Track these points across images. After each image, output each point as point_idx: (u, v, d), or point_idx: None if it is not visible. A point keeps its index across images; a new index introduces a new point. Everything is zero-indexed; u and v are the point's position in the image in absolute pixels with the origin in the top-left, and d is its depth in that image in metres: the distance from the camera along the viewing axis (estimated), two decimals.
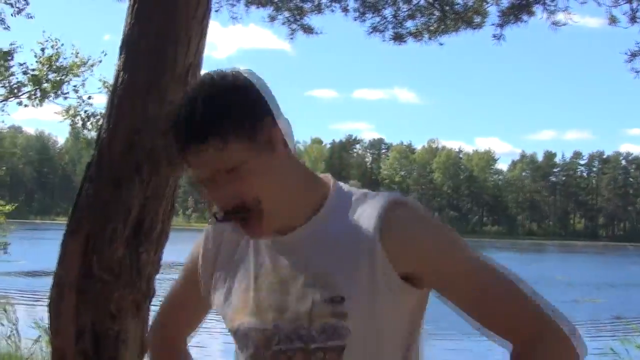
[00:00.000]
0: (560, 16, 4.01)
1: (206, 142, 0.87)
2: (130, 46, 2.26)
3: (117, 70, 2.27)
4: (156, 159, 2.17)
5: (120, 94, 2.26)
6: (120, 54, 2.27)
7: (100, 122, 2.73)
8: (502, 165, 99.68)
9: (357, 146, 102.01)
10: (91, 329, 2.10)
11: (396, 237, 0.94)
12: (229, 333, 1.11)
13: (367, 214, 0.98)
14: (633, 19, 3.68)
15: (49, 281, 2.27)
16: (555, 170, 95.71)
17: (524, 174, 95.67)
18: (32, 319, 6.10)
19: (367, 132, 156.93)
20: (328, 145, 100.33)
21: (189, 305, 1.24)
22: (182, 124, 0.90)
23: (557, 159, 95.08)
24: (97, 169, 2.19)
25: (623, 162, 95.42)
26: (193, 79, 2.25)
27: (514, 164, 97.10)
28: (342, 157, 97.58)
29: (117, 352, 2.14)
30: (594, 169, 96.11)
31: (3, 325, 5.96)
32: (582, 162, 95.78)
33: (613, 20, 3.85)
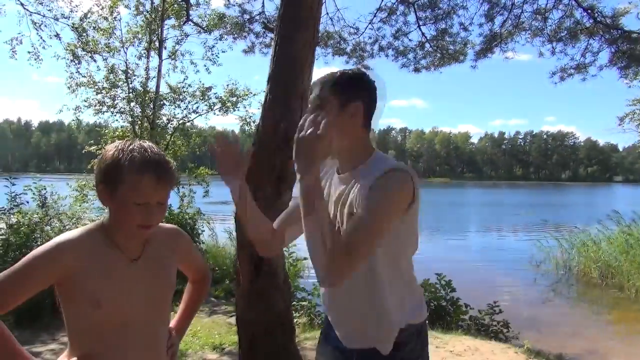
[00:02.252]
0: (509, 54, 6.08)
1: (324, 90, 1.56)
2: (273, 79, 3.63)
3: (266, 93, 3.63)
4: (288, 137, 3.44)
5: (267, 105, 3.63)
6: (268, 84, 3.64)
7: (257, 122, 3.89)
8: (474, 140, 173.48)
9: (393, 132, 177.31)
10: None
11: (374, 182, 1.48)
12: None
13: (375, 172, 1.50)
14: (553, 53, 5.59)
15: (231, 208, 3.80)
16: (504, 142, 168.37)
17: (487, 144, 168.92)
18: (223, 229, 10.62)
19: (398, 124, 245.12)
20: (376, 132, 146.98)
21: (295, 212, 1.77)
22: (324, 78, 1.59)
23: (506, 135, 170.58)
24: (258, 147, 3.56)
25: (544, 136, 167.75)
26: (306, 96, 3.71)
27: (481, 139, 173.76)
28: (384, 138, 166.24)
29: None
30: (527, 141, 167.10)
31: (209, 230, 10.69)
32: (520, 137, 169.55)
33: (541, 54, 5.71)
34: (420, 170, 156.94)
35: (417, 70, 6.52)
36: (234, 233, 4.27)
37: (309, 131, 1.48)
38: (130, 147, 1.39)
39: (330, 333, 1.70)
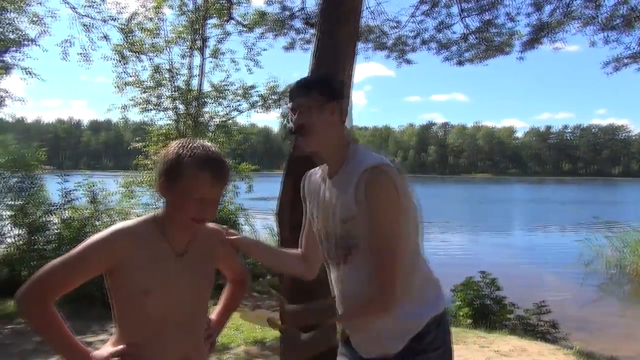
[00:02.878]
0: (558, 44, 5.71)
1: (309, 94, 1.61)
2: (314, 74, 3.56)
3: None
4: None
5: None
6: None
7: None
8: (519, 134, 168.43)
9: (433, 127, 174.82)
10: (299, 226, 3.57)
11: (367, 187, 1.52)
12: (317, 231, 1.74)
13: (358, 171, 1.55)
14: (606, 42, 5.29)
15: (273, 203, 3.77)
16: (551, 136, 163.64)
17: (532, 139, 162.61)
18: (264, 225, 10.88)
19: (439, 119, 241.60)
20: (417, 127, 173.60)
21: (308, 226, 1.87)
22: (300, 83, 1.67)
23: (553, 130, 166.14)
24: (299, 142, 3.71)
25: (594, 130, 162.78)
26: (347, 91, 3.70)
27: (526, 134, 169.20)
28: (424, 133, 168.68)
29: None
30: (576, 135, 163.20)
31: (250, 226, 11.26)
32: (568, 131, 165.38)
33: (593, 43, 5.33)
34: (463, 165, 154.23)
35: (460, 63, 6.37)
36: (275, 229, 4.30)
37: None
38: (192, 145, 1.46)
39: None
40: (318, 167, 1.82)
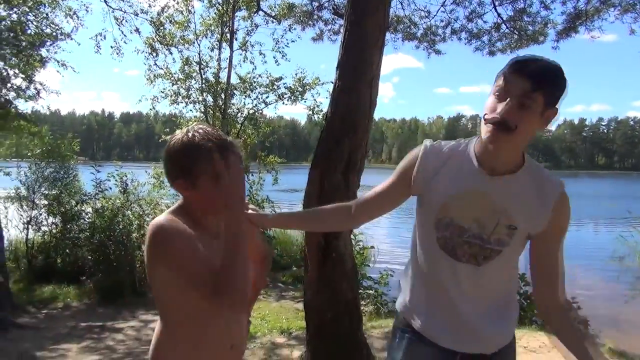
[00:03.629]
0: (594, 33, 5.51)
1: (539, 88, 1.34)
2: (342, 66, 3.57)
3: (335, 80, 3.59)
4: (356, 128, 3.48)
5: (337, 94, 3.59)
6: (337, 71, 3.59)
7: (326, 111, 3.82)
8: (552, 127, 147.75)
9: (463, 119, 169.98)
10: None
11: (561, 209, 1.48)
12: (430, 218, 1.57)
13: (549, 188, 1.49)
14: None
15: (299, 195, 3.82)
16: (585, 129, 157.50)
17: (565, 132, 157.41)
18: None
19: (468, 111, 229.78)
20: (445, 119, 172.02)
21: (385, 192, 1.70)
22: (538, 71, 1.35)
23: (587, 122, 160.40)
24: (326, 134, 3.57)
25: (631, 122, 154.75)
26: (375, 83, 3.62)
27: (558, 126, 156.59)
28: (453, 126, 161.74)
29: (340, 232, 3.56)
30: (611, 128, 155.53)
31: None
32: (603, 124, 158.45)
33: (633, 31, 5.04)
34: None
35: (491, 53, 6.18)
36: None
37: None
38: (197, 137, 1.42)
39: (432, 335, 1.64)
40: (441, 142, 1.62)
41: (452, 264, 1.54)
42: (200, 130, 1.44)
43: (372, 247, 9.16)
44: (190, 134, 1.44)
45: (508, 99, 1.36)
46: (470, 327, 1.57)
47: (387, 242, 10.90)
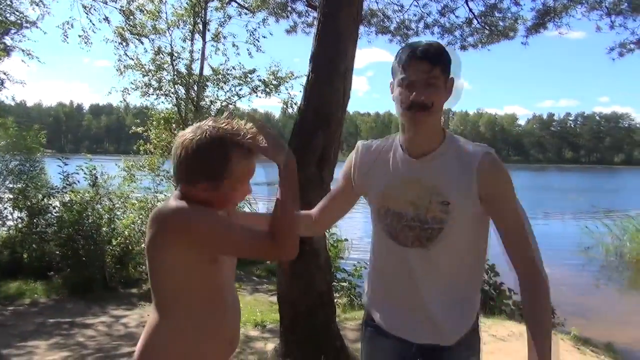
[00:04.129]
0: (563, 29, 5.67)
1: (436, 64, 1.45)
2: (315, 58, 3.58)
3: (309, 72, 3.59)
4: (330, 121, 3.49)
5: (310, 86, 3.59)
6: (310, 63, 3.59)
7: (299, 103, 3.82)
8: (522, 122, 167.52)
9: None
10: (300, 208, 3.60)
11: (486, 172, 1.49)
12: (373, 211, 1.64)
13: (470, 157, 1.51)
14: (612, 27, 5.18)
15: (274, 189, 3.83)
16: (554, 124, 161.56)
17: (535, 126, 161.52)
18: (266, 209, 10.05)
19: None
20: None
21: (338, 196, 1.82)
22: (429, 50, 1.46)
23: (555, 117, 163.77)
24: (300, 127, 3.57)
25: (597, 117, 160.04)
26: (349, 75, 3.66)
27: (528, 121, 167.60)
28: None
29: None
30: (578, 123, 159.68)
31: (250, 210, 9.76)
32: (570, 119, 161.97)
33: (599, 28, 5.27)
34: None
35: (463, 48, 6.31)
36: None
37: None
38: (228, 135, 1.42)
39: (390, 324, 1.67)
40: (372, 141, 1.73)
41: (402, 251, 1.58)
42: (228, 126, 1.44)
43: (346, 239, 9.21)
44: (219, 130, 1.42)
45: (415, 84, 1.47)
46: (426, 315, 1.58)
47: (360, 236, 10.96)
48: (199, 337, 1.41)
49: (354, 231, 13.39)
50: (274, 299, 6.04)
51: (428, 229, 1.54)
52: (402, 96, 1.51)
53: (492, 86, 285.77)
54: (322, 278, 3.69)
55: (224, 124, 1.43)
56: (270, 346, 4.62)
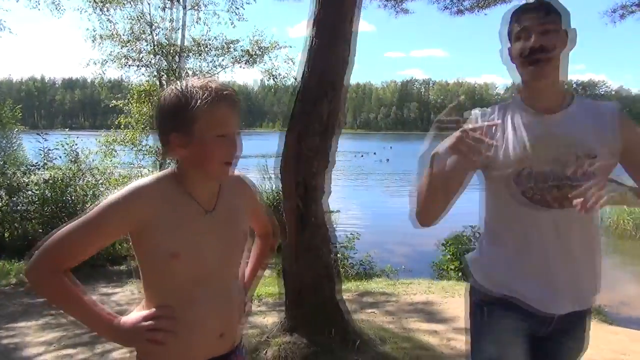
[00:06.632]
0: None
1: (550, 12, 1.47)
2: (318, 22, 3.38)
3: (311, 37, 3.39)
4: (336, 87, 3.36)
5: (314, 51, 3.40)
6: (313, 27, 3.38)
7: (298, 71, 3.68)
8: (500, 90, 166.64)
9: (415, 84, 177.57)
10: (303, 181, 3.35)
11: (625, 123, 1.51)
12: (503, 178, 1.54)
13: (604, 109, 1.53)
14: None
15: (262, 161, 3.65)
16: None
17: (513, 94, 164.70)
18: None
19: (420, 75, 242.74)
20: (398, 84, 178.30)
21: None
22: (541, 2, 1.49)
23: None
24: (303, 95, 3.42)
25: (574, 85, 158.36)
26: (353, 39, 3.50)
27: (507, 89, 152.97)
28: (406, 89, 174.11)
29: (316, 194, 3.43)
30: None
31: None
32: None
33: None
34: None
35: (460, 12, 6.11)
36: (275, 186, 4.18)
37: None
38: (191, 84, 1.28)
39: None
40: (484, 109, 1.66)
41: (551, 215, 1.50)
42: (194, 79, 1.31)
43: (338, 211, 9.16)
44: (182, 83, 1.30)
45: (533, 30, 1.47)
46: (574, 281, 1.54)
47: (353, 207, 10.93)
48: (177, 329, 1.31)
49: (342, 201, 13.36)
50: (269, 272, 5.96)
51: (578, 187, 1.41)
52: (522, 47, 1.50)
53: (468, 56, 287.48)
54: (327, 250, 3.60)
55: (205, 79, 1.32)
56: (270, 320, 4.55)
